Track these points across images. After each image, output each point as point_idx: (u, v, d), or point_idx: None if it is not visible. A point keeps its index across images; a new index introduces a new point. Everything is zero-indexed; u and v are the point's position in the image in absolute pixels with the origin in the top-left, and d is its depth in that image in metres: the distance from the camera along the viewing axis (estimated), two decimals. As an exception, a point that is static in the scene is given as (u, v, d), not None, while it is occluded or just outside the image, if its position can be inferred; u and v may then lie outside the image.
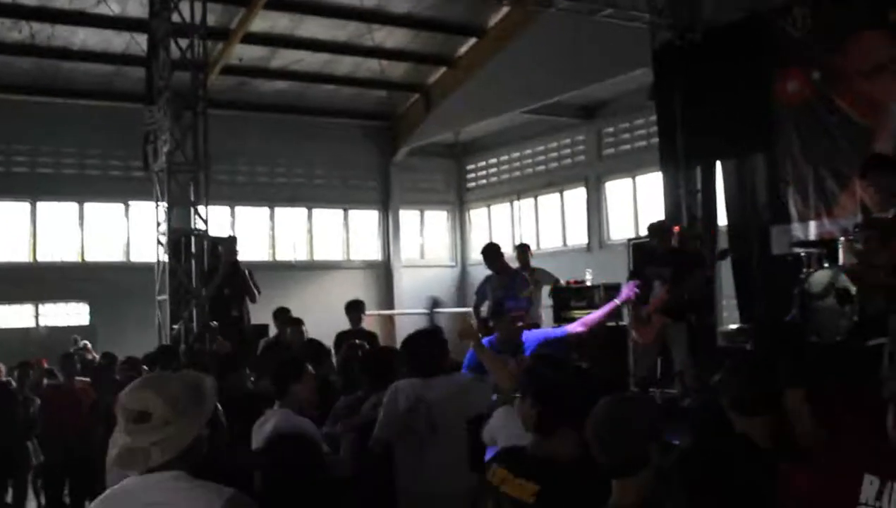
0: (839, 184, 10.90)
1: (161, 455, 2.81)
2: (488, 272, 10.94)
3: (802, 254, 9.24)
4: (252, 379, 7.68)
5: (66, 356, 10.72)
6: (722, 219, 12.96)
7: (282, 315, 10.46)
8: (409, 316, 18.37)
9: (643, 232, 13.46)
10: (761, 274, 11.51)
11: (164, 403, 2.84)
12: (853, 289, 7.56)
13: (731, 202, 12.80)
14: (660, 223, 10.43)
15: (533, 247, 19.80)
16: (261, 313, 12.10)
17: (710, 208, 13.03)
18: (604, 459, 2.93)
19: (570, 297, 12.83)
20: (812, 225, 11.17)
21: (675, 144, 12.96)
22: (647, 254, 10.52)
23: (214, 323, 11.40)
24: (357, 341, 8.08)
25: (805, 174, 11.34)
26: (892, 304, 6.39)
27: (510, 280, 10.31)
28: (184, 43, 12.25)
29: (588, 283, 13.27)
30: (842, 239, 8.29)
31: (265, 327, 11.49)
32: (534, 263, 12.38)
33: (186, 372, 3.09)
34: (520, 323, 7.16)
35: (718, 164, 12.95)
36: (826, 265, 8.37)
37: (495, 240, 12.36)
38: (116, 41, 16.50)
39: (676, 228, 11.08)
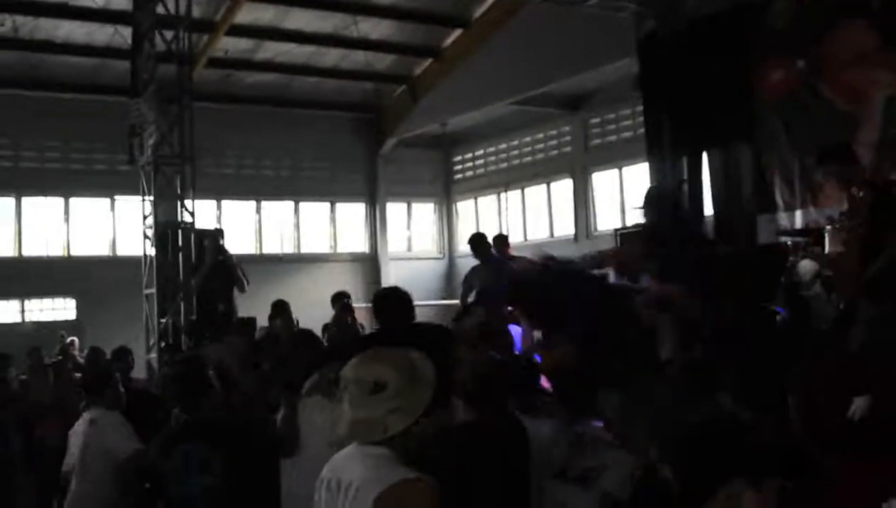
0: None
1: (399, 422, 2.87)
2: (475, 263, 10.93)
3: (789, 243, 9.29)
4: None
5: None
6: (708, 209, 12.98)
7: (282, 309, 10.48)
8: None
9: (630, 222, 13.50)
10: (748, 264, 11.50)
11: (397, 373, 2.91)
12: (837, 277, 7.59)
13: (717, 192, 12.81)
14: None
15: (520, 238, 19.96)
16: (247, 306, 12.08)
17: (697, 198, 13.04)
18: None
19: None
20: (798, 214, 11.18)
21: (661, 135, 12.96)
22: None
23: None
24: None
25: (791, 163, 11.35)
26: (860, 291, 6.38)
27: (497, 269, 10.28)
28: (169, 35, 12.23)
29: (576, 273, 13.24)
30: (828, 227, 8.31)
31: (253, 320, 11.45)
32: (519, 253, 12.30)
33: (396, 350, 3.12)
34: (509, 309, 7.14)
35: (705, 154, 12.97)
36: (812, 253, 8.41)
37: (482, 231, 12.33)
38: (100, 34, 16.42)
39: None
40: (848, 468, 3.55)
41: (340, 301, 10.61)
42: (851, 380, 3.81)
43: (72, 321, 17.12)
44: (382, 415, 2.87)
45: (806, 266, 8.14)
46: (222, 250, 11.90)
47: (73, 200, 18.53)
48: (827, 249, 8.13)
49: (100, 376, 6.62)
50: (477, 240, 10.62)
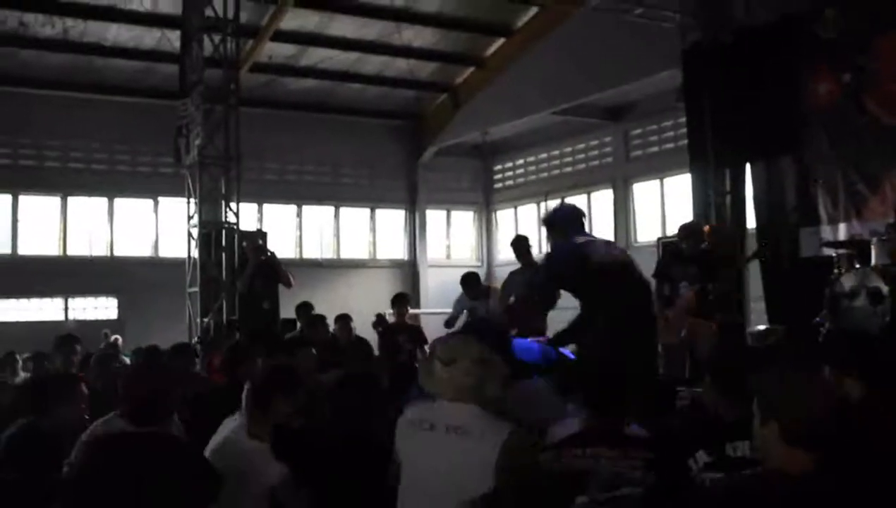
0: (869, 187, 10.85)
1: (495, 389, 3.84)
2: (511, 270, 10.95)
3: (833, 256, 9.24)
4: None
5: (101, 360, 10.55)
6: (751, 222, 12.93)
7: (305, 310, 10.69)
8: (435, 315, 18.41)
9: (671, 233, 13.45)
10: (791, 276, 11.46)
11: (489, 351, 3.93)
12: (885, 289, 7.55)
13: (760, 204, 12.76)
14: (694, 225, 10.35)
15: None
16: (287, 310, 12.22)
17: (739, 210, 12.99)
18: None
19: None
20: (842, 227, 11.12)
21: (704, 146, 12.93)
22: (673, 254, 10.49)
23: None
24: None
25: (835, 176, 11.29)
26: None
27: (536, 274, 10.28)
28: (216, 39, 12.38)
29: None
30: (874, 239, 8.26)
31: (294, 321, 11.58)
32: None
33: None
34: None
35: (748, 166, 12.92)
36: (857, 266, 8.35)
37: (524, 235, 12.28)
38: (147, 37, 16.64)
39: (706, 228, 11.04)
40: None
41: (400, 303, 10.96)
42: None
43: (113, 320, 17.35)
44: (482, 381, 3.81)
45: (850, 278, 8.11)
46: (265, 250, 12.05)
47: (117, 201, 18.76)
48: (873, 261, 8.09)
49: None
50: (519, 243, 10.65)
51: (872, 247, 8.14)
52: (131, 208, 18.97)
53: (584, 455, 4.12)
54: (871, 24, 10.77)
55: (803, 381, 2.92)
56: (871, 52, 10.77)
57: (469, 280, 10.90)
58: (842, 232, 11.03)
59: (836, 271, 8.70)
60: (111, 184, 18.48)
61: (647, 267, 12.92)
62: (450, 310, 11.06)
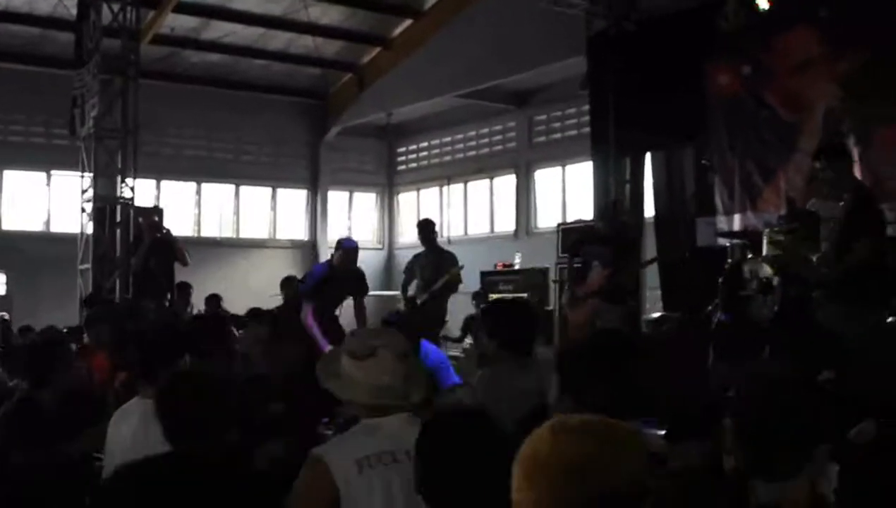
0: (764, 178, 11.10)
1: (417, 393, 3.13)
2: (415, 253, 10.94)
3: (727, 245, 9.44)
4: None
5: None
6: (649, 210, 13.13)
7: (183, 289, 10.60)
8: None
9: (571, 220, 13.61)
10: (687, 265, 11.67)
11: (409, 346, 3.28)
12: (774, 280, 7.74)
13: (658, 193, 12.98)
14: (609, 205, 10.42)
15: (461, 232, 19.99)
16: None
17: (639, 199, 13.19)
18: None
19: (498, 281, 12.90)
20: (737, 218, 11.37)
21: (606, 134, 13.08)
22: (586, 233, 10.61)
23: None
24: None
25: (732, 167, 11.52)
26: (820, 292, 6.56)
27: (438, 258, 10.29)
28: (115, 7, 12.04)
29: (517, 267, 13.35)
30: (766, 230, 8.46)
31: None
32: (450, 248, 12.07)
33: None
34: None
35: (648, 155, 13.11)
36: (750, 256, 8.55)
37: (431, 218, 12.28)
38: (43, 3, 16.03)
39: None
40: None
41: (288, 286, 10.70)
42: None
43: (1, 296, 16.76)
44: (406, 383, 3.08)
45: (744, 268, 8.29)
46: (160, 227, 11.79)
47: (6, 173, 18.10)
48: (764, 252, 8.28)
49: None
50: (426, 225, 10.65)
51: (764, 237, 8.32)
52: (22, 181, 18.35)
53: None
54: (771, 19, 10.97)
55: None
56: (771, 46, 11.00)
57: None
58: (737, 222, 11.27)
59: (729, 261, 8.90)
60: (2, 156, 17.82)
61: (547, 253, 13.16)
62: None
